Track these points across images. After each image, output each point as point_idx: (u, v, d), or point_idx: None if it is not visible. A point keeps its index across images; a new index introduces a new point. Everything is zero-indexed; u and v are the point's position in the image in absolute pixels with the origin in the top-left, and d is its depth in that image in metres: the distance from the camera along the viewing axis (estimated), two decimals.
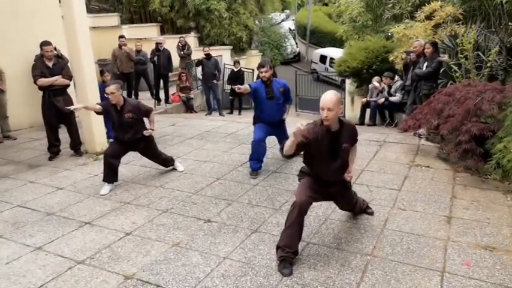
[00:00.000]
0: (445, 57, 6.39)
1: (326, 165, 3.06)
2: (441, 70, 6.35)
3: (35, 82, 5.54)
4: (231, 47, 14.43)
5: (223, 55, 13.21)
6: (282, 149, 5.28)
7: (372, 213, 3.71)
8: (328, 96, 2.87)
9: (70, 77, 5.77)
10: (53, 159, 5.75)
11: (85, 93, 5.86)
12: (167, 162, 5.07)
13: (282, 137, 5.06)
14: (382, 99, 7.59)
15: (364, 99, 8.05)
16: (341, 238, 3.36)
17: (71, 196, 4.42)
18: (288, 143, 2.91)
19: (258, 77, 4.86)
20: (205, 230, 3.59)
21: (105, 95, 4.50)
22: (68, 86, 5.80)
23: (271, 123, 4.84)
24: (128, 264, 3.09)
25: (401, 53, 7.48)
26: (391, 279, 2.80)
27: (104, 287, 2.81)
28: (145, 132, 4.66)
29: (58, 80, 5.59)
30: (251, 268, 2.97)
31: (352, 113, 9.79)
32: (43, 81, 5.53)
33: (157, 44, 9.89)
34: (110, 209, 4.10)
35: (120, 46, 9.40)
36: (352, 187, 3.45)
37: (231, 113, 10.91)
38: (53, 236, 3.57)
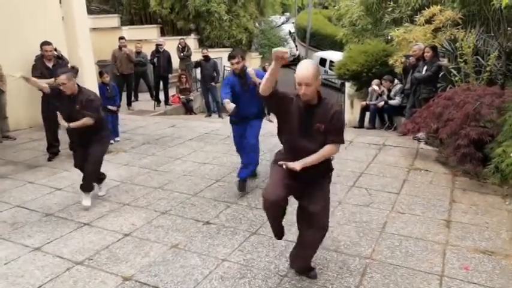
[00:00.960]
0: (444, 61, 6.41)
1: (295, 142, 2.62)
2: (440, 74, 6.38)
3: None
4: (231, 49, 14.45)
5: (223, 57, 13.20)
6: (244, 162, 4.50)
7: (315, 276, 2.91)
8: (305, 69, 2.45)
9: None
10: (52, 160, 5.74)
11: None
12: (90, 177, 4.21)
13: (250, 134, 4.43)
14: (382, 103, 7.61)
15: (364, 103, 8.07)
16: (340, 241, 3.36)
17: (70, 197, 4.41)
18: (265, 76, 2.50)
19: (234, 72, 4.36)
20: (204, 231, 3.59)
21: (59, 86, 4.00)
22: None
23: (247, 117, 4.41)
24: (127, 265, 3.09)
25: (401, 57, 7.51)
26: (389, 282, 2.80)
27: None
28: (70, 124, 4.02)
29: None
30: (250, 270, 2.97)
31: (351, 116, 9.80)
32: (43, 81, 5.53)
33: (157, 45, 9.92)
34: (108, 210, 4.09)
35: (120, 47, 9.41)
36: (329, 185, 2.80)
37: None
38: (51, 236, 3.57)
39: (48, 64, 5.60)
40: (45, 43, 5.54)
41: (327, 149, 2.55)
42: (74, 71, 4.18)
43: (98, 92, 6.00)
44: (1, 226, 3.79)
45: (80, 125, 3.98)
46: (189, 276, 2.93)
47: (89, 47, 5.85)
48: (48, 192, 4.54)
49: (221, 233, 3.55)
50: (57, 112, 4.08)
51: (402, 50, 7.68)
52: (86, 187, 4.15)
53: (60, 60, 5.87)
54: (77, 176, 5.11)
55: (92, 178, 4.21)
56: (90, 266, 3.10)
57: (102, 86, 6.42)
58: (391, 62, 7.87)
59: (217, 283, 2.84)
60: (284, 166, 2.47)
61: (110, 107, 6.52)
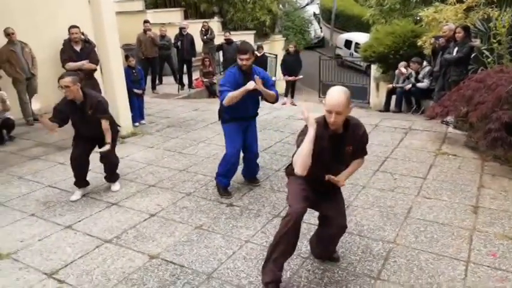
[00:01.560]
0: (476, 42, 6.14)
1: (328, 169, 2.50)
2: (472, 55, 6.13)
3: (63, 66, 5.68)
4: (254, 31, 14.31)
5: (246, 40, 13.11)
6: (248, 167, 4.27)
7: (338, 259, 2.91)
8: (337, 97, 2.32)
9: (97, 62, 5.89)
10: None
11: (111, 78, 5.97)
12: (112, 170, 4.28)
13: (253, 140, 4.14)
14: (409, 86, 7.40)
15: (390, 86, 7.87)
16: (363, 225, 3.35)
17: (98, 177, 4.55)
18: (303, 147, 2.36)
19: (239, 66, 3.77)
20: (228, 213, 3.65)
21: (59, 88, 3.79)
22: (95, 70, 5.92)
23: (245, 118, 3.98)
24: (153, 244, 3.18)
25: (430, 38, 7.24)
26: (413, 267, 2.78)
27: (130, 266, 2.91)
28: (102, 150, 3.96)
29: (85, 64, 5.71)
30: None
31: (377, 99, 9.60)
32: (71, 65, 5.67)
33: (180, 28, 9.93)
34: (135, 190, 4.21)
35: (144, 31, 9.48)
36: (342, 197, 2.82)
37: None
38: (81, 215, 3.71)
39: (76, 48, 5.72)
40: (72, 26, 5.67)
41: (358, 163, 2.68)
42: (80, 76, 3.94)
43: (124, 75, 6.13)
44: (35, 205, 3.97)
45: (109, 132, 3.95)
46: (213, 256, 2.99)
47: (115, 31, 5.91)
48: None
49: (244, 215, 3.59)
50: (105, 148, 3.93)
51: (432, 31, 7.40)
52: (112, 178, 4.28)
53: (87, 44, 5.99)
54: None
55: (114, 168, 4.27)
56: (118, 244, 3.21)
57: (128, 69, 6.52)
58: (419, 43, 7.61)
59: (240, 263, 2.90)
60: (327, 178, 2.48)
61: (135, 90, 6.64)
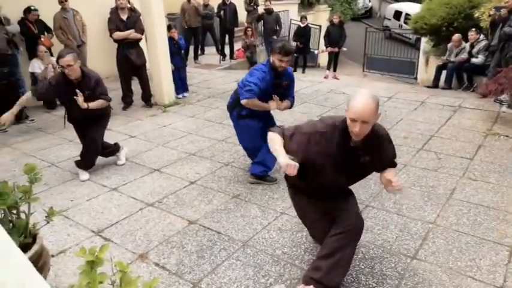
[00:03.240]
0: None
1: (330, 182, 2.23)
2: None
3: (110, 35, 5.83)
4: (299, 1, 13.89)
5: (290, 10, 12.77)
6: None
7: None
8: (363, 104, 1.94)
9: (142, 31, 5.99)
10: (127, 109, 6.13)
11: (155, 46, 6.07)
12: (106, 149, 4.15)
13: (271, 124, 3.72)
14: (464, 56, 6.93)
15: (443, 58, 7.43)
16: (402, 204, 3.28)
17: (142, 144, 4.73)
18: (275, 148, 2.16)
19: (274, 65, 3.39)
20: (264, 184, 3.69)
21: (60, 68, 3.57)
22: (140, 39, 6.04)
23: (264, 114, 3.65)
24: (192, 210, 3.30)
25: (489, 9, 6.71)
26: (453, 249, 2.70)
27: (170, 229, 3.05)
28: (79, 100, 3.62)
29: (131, 34, 5.83)
30: None
31: (425, 74, 9.15)
32: (118, 35, 5.81)
33: None
34: (176, 158, 4.34)
35: (188, 0, 9.47)
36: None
37: (295, 70, 10.69)
38: (126, 179, 3.90)
39: (123, 16, 5.83)
40: None
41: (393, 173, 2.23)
42: (76, 52, 3.65)
43: (167, 45, 6.19)
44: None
45: (98, 106, 3.73)
46: (249, 225, 3.06)
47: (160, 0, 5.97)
48: (123, 139, 4.90)
49: (281, 187, 3.62)
50: (75, 97, 3.61)
51: (491, 1, 6.85)
52: (84, 164, 3.95)
53: (133, 12, 6.08)
54: (149, 124, 5.45)
55: (92, 156, 3.97)
56: (159, 208, 3.36)
57: (169, 40, 6.53)
58: (476, 14, 7.09)
59: (275, 234, 2.95)
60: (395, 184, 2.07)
61: (173, 64, 6.58)
